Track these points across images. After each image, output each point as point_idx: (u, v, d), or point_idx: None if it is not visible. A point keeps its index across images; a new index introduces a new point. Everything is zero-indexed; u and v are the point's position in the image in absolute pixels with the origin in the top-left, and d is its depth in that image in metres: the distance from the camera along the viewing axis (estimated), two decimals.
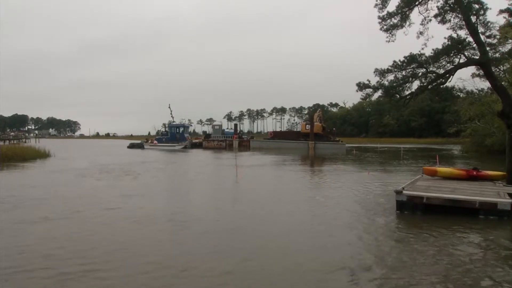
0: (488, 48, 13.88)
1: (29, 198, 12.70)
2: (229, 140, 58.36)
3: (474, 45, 13.59)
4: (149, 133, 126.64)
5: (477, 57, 13.69)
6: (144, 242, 7.88)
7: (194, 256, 6.98)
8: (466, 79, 32.29)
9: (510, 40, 23.01)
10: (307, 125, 57.93)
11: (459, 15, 13.61)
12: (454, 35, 13.88)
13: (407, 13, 14.21)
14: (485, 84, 31.48)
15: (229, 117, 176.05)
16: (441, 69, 14.12)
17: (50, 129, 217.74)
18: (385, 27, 14.53)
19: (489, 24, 13.62)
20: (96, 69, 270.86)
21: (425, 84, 14.43)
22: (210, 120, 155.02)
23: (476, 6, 13.30)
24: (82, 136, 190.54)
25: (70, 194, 13.57)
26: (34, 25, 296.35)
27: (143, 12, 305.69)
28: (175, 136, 60.07)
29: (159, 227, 9.11)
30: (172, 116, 66.57)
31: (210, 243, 7.75)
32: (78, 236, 8.24)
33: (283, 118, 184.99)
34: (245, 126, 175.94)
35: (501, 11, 26.10)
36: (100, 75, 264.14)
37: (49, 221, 9.59)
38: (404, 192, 10.50)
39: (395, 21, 14.34)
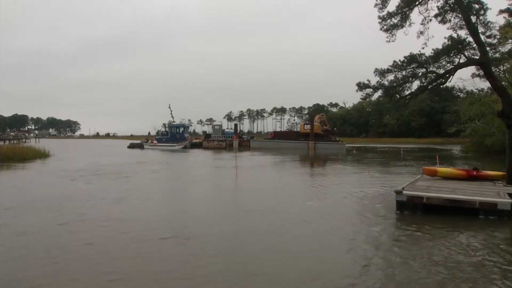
0: (488, 48, 13.87)
1: (5, 205, 11.68)
2: (229, 140, 58.35)
3: (474, 45, 13.58)
4: (149, 133, 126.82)
5: (477, 57, 13.68)
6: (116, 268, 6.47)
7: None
8: (466, 79, 32.31)
9: (510, 40, 22.98)
10: (306, 125, 57.95)
11: (459, 15, 13.60)
12: (454, 35, 13.87)
13: (407, 13, 14.19)
14: (485, 84, 31.52)
15: (229, 117, 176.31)
16: (441, 69, 14.10)
17: (50, 129, 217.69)
18: (385, 27, 14.51)
19: (489, 24, 13.61)
20: (96, 68, 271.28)
21: (425, 84, 14.41)
22: (210, 120, 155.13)
23: (476, 6, 13.28)
24: (82, 136, 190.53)
25: (54, 200, 12.45)
26: (34, 24, 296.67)
27: (144, 11, 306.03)
28: (175, 136, 60.13)
29: (140, 245, 7.66)
30: (172, 116, 66.85)
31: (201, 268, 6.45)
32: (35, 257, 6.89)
33: (283, 118, 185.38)
34: (245, 126, 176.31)
35: (501, 11, 25.99)
36: (101, 75, 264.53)
37: (14, 238, 8.16)
38: (404, 192, 10.51)
39: (395, 21, 14.33)
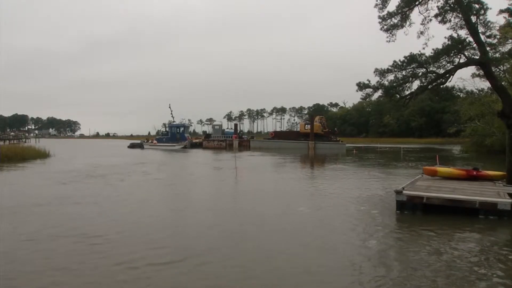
0: (488, 48, 13.86)
1: None
2: (229, 140, 58.40)
3: (474, 45, 13.57)
4: (149, 133, 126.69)
5: (477, 57, 13.67)
6: None
7: None
8: (466, 79, 32.30)
9: (510, 40, 23.01)
10: (306, 125, 57.95)
11: (459, 15, 13.59)
12: (455, 35, 13.86)
13: (407, 13, 14.17)
14: (485, 84, 31.49)
15: (229, 117, 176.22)
16: (441, 69, 14.09)
17: (50, 129, 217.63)
18: (385, 27, 14.50)
19: (489, 24, 13.60)
20: (97, 68, 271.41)
21: (425, 84, 14.40)
22: (210, 120, 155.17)
23: (476, 6, 13.27)
24: (82, 136, 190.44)
25: (25, 207, 11.32)
26: (34, 23, 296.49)
27: (143, 11, 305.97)
28: (175, 136, 60.16)
29: (113, 272, 6.22)
30: (172, 116, 66.88)
31: None
32: None
33: (283, 118, 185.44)
34: (245, 126, 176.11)
35: (501, 11, 26.03)
36: (101, 75, 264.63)
37: None
38: (404, 192, 10.51)
39: (395, 21, 14.31)
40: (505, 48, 19.40)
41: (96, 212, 10.75)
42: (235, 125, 67.35)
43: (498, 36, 16.80)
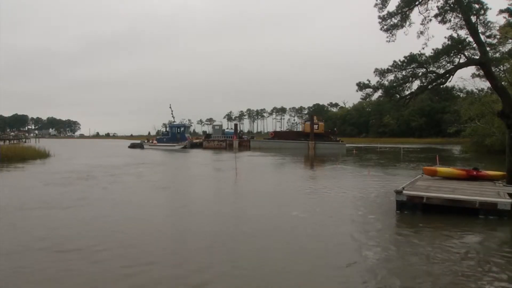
0: (488, 48, 13.87)
1: None
2: (229, 140, 58.40)
3: (474, 45, 13.58)
4: (149, 133, 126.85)
5: (477, 57, 13.67)
6: None
7: None
8: (466, 79, 32.32)
9: (510, 40, 23.01)
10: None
11: (459, 15, 13.59)
12: (454, 35, 13.87)
13: (407, 13, 14.18)
14: (485, 84, 31.55)
15: (229, 117, 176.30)
16: (441, 69, 14.10)
17: (50, 129, 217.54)
18: (385, 27, 14.51)
19: (489, 24, 13.61)
20: (97, 68, 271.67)
21: (425, 84, 14.41)
22: (210, 120, 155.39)
23: (476, 6, 13.28)
24: (82, 136, 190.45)
25: (26, 211, 10.97)
26: (34, 23, 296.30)
27: (144, 11, 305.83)
28: (175, 136, 60.18)
29: None
30: (172, 116, 66.96)
31: None
32: None
33: (283, 118, 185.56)
34: (245, 126, 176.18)
35: (501, 11, 26.04)
36: (101, 74, 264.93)
37: None
38: (404, 192, 10.51)
39: (395, 21, 14.32)
40: (505, 48, 19.45)
41: (92, 217, 10.25)
42: (235, 125, 67.24)
43: (498, 36, 16.83)
